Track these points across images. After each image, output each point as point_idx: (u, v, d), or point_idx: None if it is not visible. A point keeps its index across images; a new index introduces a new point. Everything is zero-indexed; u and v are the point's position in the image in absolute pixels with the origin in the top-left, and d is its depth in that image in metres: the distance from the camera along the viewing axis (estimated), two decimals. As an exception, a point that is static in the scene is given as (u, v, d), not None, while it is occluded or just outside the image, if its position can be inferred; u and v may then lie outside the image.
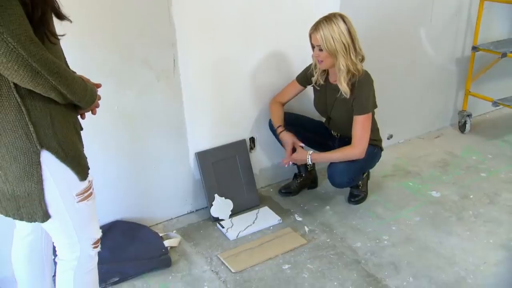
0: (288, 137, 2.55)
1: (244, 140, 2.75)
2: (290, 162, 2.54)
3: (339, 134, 2.65)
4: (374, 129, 2.59)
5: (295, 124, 2.68)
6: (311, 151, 2.48)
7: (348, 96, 2.37)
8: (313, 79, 2.49)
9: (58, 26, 1.38)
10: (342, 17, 2.27)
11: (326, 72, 2.49)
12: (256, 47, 2.61)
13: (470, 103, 3.65)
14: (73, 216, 1.45)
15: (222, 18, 2.43)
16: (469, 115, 3.59)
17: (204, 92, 2.51)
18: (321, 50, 2.29)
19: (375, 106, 2.50)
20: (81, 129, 1.54)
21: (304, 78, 2.56)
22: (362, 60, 2.38)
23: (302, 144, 2.57)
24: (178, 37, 2.31)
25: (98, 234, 1.58)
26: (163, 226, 2.57)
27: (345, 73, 2.30)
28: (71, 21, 1.38)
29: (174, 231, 2.52)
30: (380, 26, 3.00)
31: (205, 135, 2.60)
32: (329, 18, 2.25)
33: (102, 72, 2.15)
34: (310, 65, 2.53)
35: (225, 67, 2.54)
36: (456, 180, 2.99)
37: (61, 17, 1.36)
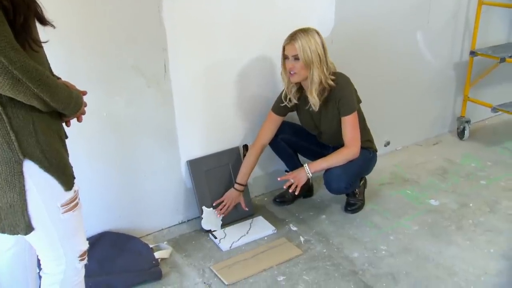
0: (235, 194, 2.60)
1: (237, 148, 2.74)
2: (292, 184, 2.46)
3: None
4: (365, 128, 2.60)
5: (291, 133, 2.69)
6: (305, 164, 2.47)
7: (317, 109, 2.42)
8: (287, 98, 2.49)
9: (41, 31, 1.36)
10: (317, 31, 2.35)
11: (299, 92, 2.49)
12: (250, 53, 2.60)
13: (468, 109, 3.65)
14: (58, 227, 1.43)
15: (215, 23, 2.43)
16: (467, 121, 3.60)
17: (196, 98, 2.50)
18: (296, 59, 2.32)
19: (360, 101, 2.53)
20: (66, 137, 1.51)
21: (280, 104, 2.54)
22: (334, 75, 2.41)
23: (247, 209, 2.65)
24: (169, 42, 2.30)
25: (85, 246, 1.56)
26: (153, 237, 2.55)
27: (317, 84, 2.35)
28: (54, 27, 1.36)
29: (165, 242, 2.49)
30: (375, 29, 3.01)
31: (197, 142, 2.59)
32: (305, 30, 2.33)
33: (90, 78, 2.13)
34: (281, 92, 2.54)
35: (217, 72, 2.53)
36: (455, 188, 2.98)
37: (44, 22, 1.34)
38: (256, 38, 2.59)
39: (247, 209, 2.66)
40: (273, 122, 2.60)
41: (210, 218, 2.58)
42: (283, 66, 2.41)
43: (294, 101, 2.50)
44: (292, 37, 2.32)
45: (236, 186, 2.61)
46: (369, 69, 3.06)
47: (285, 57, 2.38)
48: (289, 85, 2.45)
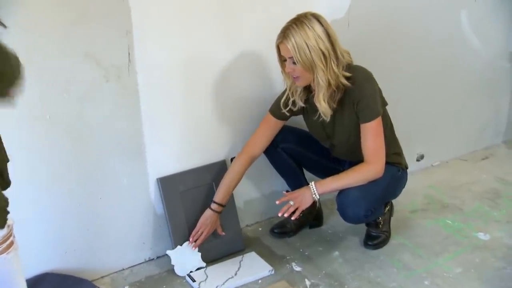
0: (214, 218, 2.58)
1: (223, 162, 2.75)
2: (291, 208, 2.45)
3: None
4: (392, 138, 2.61)
5: (295, 142, 2.70)
6: (312, 182, 2.45)
7: (328, 119, 2.42)
8: (290, 101, 2.48)
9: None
10: (316, 17, 2.30)
11: (307, 91, 2.49)
12: (241, 42, 2.64)
13: (528, 113, 3.68)
14: None
15: (197, 4, 2.44)
16: (527, 129, 3.61)
17: (170, 97, 2.51)
18: (294, 63, 2.31)
19: (385, 103, 2.53)
20: None
21: (282, 107, 2.52)
22: (349, 69, 2.38)
23: (223, 233, 2.66)
24: (135, 22, 2.30)
25: (24, 295, 1.55)
26: (110, 279, 2.54)
27: (325, 89, 2.33)
28: (5, 26, 1.34)
29: (126, 287, 2.48)
30: (405, 8, 3.03)
31: (171, 154, 2.60)
32: (299, 21, 2.28)
33: (28, 68, 2.09)
34: (284, 91, 2.53)
35: (199, 65, 2.55)
36: (510, 217, 2.98)
37: None
38: (249, 24, 2.62)
39: (223, 233, 2.65)
40: (270, 127, 2.60)
41: (184, 259, 2.57)
42: (281, 67, 2.40)
43: (301, 104, 2.49)
44: (284, 34, 2.30)
45: (213, 206, 2.59)
46: (397, 61, 3.07)
47: (281, 59, 2.37)
48: (292, 85, 2.45)
